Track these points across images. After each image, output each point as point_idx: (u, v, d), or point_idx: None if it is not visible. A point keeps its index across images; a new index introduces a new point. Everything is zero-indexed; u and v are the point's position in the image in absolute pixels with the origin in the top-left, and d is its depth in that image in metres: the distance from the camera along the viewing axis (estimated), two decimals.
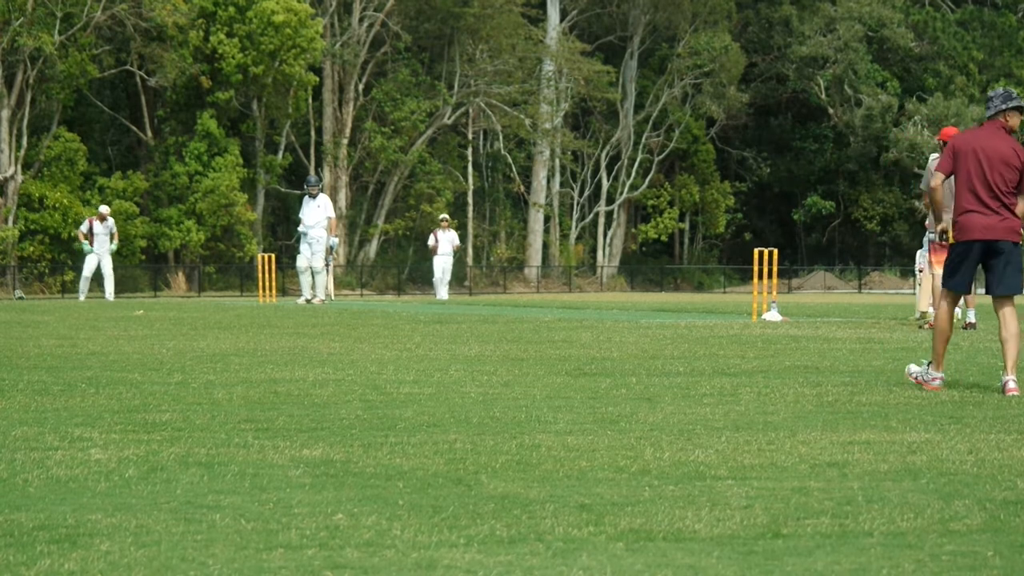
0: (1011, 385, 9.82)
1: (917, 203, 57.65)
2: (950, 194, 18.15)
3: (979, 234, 10.32)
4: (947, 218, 18.13)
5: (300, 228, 30.91)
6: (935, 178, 10.67)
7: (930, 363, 10.33)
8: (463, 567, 4.50)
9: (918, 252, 21.80)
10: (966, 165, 10.38)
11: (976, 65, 65.55)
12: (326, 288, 31.37)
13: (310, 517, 5.29)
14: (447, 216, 40.85)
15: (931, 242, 18.45)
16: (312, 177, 31.27)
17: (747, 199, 66.08)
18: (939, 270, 18.32)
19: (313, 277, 30.70)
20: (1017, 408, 9.08)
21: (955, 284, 10.41)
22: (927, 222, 20.92)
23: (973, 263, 10.40)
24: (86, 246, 35.41)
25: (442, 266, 38.12)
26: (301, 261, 30.68)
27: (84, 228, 35.85)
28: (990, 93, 10.53)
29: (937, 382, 10.22)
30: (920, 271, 21.26)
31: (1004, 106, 10.33)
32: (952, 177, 18.79)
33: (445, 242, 38.12)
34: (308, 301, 30.51)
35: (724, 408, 9.04)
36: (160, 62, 46.65)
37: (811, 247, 67.57)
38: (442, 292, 38.19)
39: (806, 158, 65.61)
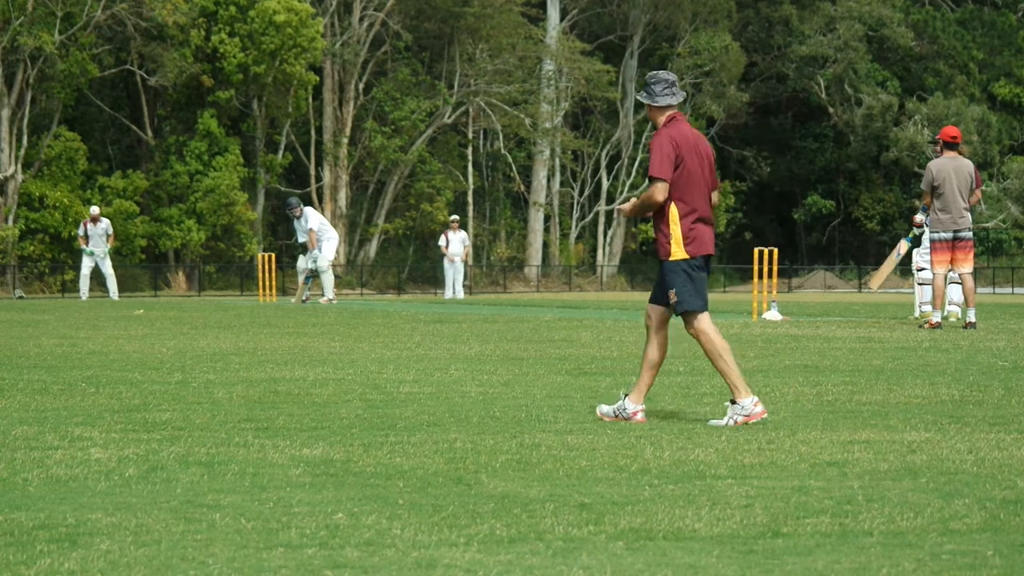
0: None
1: (917, 202, 57.63)
2: (952, 194, 18.19)
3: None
4: (945, 218, 18.21)
5: (304, 264, 30.94)
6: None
7: (627, 395, 8.51)
8: (463, 566, 4.50)
9: (915, 251, 21.78)
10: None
11: (976, 65, 65.53)
12: (308, 290, 31.39)
13: (310, 516, 5.30)
14: (456, 217, 41.00)
15: (932, 242, 18.43)
16: (291, 200, 31.37)
17: (747, 198, 66.05)
18: (940, 269, 18.32)
19: (318, 277, 30.91)
20: (1017, 408, 9.08)
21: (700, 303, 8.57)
22: (916, 218, 20.96)
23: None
24: (85, 249, 35.76)
25: (455, 268, 38.39)
26: (322, 262, 30.61)
27: (81, 232, 36.24)
28: (665, 77, 8.59)
29: (640, 414, 8.42)
30: (920, 270, 21.25)
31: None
32: (944, 174, 18.35)
33: (456, 243, 38.32)
34: (303, 302, 30.65)
35: (724, 407, 9.03)
36: (160, 61, 46.64)
37: (811, 246, 67.56)
38: (458, 291, 38.31)
39: (806, 157, 65.60)
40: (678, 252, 8.40)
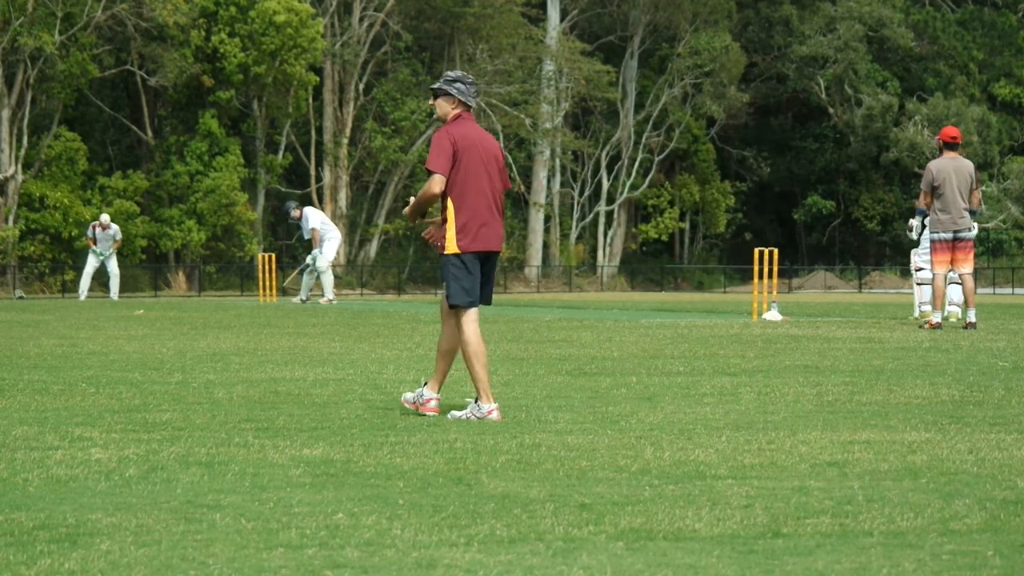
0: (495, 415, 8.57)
1: (917, 203, 57.64)
2: (952, 194, 18.20)
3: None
4: (945, 218, 18.21)
5: (309, 262, 31.13)
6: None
7: (427, 383, 8.86)
8: (463, 566, 4.50)
9: (914, 252, 21.79)
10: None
11: (976, 65, 65.53)
12: (309, 291, 31.54)
13: (310, 516, 5.30)
14: None
15: (932, 242, 18.44)
16: (288, 205, 31.47)
17: (747, 199, 66.05)
18: (940, 270, 18.32)
19: (319, 277, 31.01)
20: (1017, 408, 9.08)
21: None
22: (911, 222, 21.07)
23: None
24: (95, 249, 36.23)
25: None
26: (322, 262, 30.76)
27: (89, 234, 36.79)
28: (458, 75, 8.89)
29: (433, 403, 8.73)
30: (918, 270, 21.26)
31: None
32: (944, 174, 18.41)
33: None
34: (303, 301, 30.74)
35: (724, 408, 9.04)
36: (161, 62, 46.64)
37: (811, 247, 67.56)
38: None
39: (806, 158, 65.60)
40: (451, 247, 8.77)
